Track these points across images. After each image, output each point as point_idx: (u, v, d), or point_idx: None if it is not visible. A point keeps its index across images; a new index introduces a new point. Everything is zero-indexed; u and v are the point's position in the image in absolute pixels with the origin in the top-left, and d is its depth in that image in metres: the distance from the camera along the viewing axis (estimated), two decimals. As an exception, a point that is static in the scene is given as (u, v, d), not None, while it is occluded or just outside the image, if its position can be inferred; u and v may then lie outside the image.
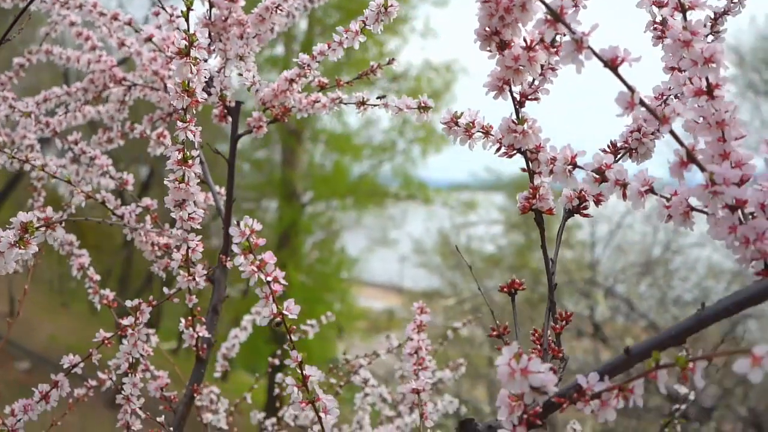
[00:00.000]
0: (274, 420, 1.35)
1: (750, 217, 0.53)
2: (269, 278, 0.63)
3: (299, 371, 0.65)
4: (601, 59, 0.51)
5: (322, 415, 0.65)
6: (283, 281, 0.63)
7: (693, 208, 0.54)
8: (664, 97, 0.69)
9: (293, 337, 0.65)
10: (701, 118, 0.54)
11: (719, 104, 0.54)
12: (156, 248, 1.02)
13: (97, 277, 1.09)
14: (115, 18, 1.10)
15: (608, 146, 0.69)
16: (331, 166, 11.62)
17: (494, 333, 0.64)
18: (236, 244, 0.62)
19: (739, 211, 0.53)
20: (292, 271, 10.31)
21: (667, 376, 0.48)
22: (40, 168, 0.96)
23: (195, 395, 0.99)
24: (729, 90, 0.55)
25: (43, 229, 0.68)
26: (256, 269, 0.62)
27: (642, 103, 0.51)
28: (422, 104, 0.84)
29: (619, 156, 0.69)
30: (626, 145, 0.69)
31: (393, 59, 1.00)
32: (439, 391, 1.60)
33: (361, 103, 0.95)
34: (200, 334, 0.97)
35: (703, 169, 0.51)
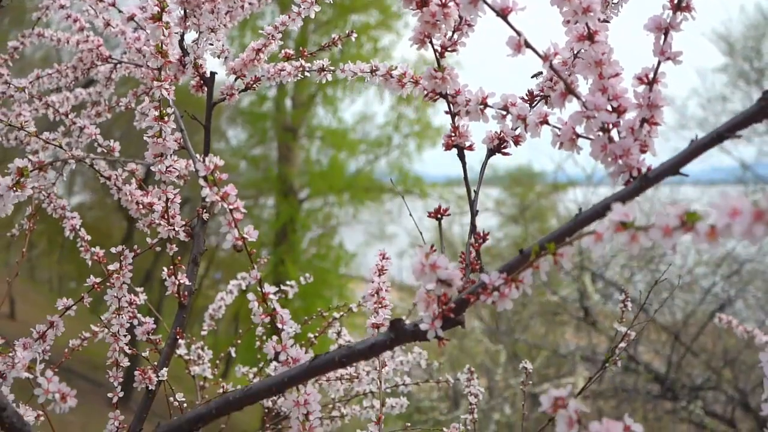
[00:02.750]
0: (255, 370, 1.46)
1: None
2: (231, 207, 0.73)
3: (259, 289, 0.76)
4: (493, 9, 0.61)
5: (279, 325, 0.76)
6: (243, 210, 0.74)
7: (578, 135, 0.65)
8: (575, 51, 0.80)
9: (252, 259, 0.76)
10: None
11: (598, 47, 0.64)
12: (140, 207, 1.13)
13: (88, 237, 1.20)
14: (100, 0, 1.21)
15: (526, 94, 0.80)
16: (327, 162, 11.73)
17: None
18: (202, 177, 0.72)
19: (616, 134, 0.64)
20: (290, 267, 10.41)
21: (547, 265, 0.59)
22: (33, 134, 1.07)
23: (178, 337, 1.10)
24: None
25: (36, 171, 0.78)
26: (220, 199, 0.73)
27: (527, 44, 0.61)
28: (374, 68, 0.95)
29: (535, 102, 0.80)
30: (542, 93, 0.79)
31: (352, 32, 1.11)
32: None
33: (321, 70, 1.05)
34: (181, 282, 1.08)
35: (579, 98, 0.62)
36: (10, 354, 0.74)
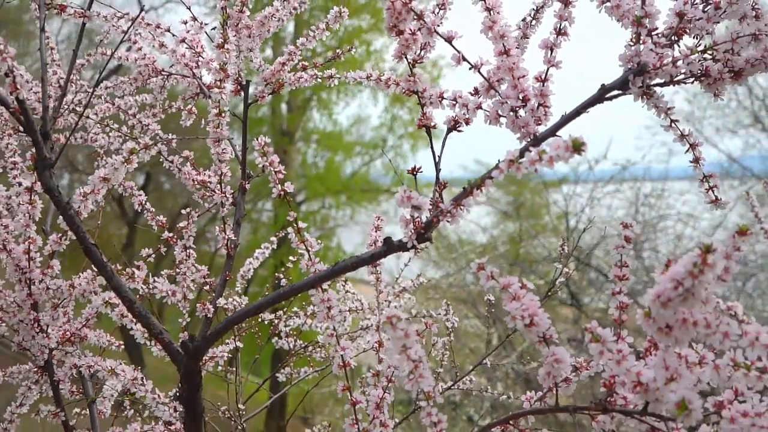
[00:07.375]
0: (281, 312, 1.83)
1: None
2: (276, 169, 1.11)
3: (296, 225, 1.13)
4: (443, 38, 0.98)
5: (309, 248, 1.13)
6: (283, 171, 1.11)
7: (500, 115, 1.02)
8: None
9: (292, 206, 1.13)
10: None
11: (511, 59, 1.01)
12: (195, 182, 1.50)
13: (153, 209, 1.57)
14: (158, 27, 1.58)
15: (473, 89, 1.17)
16: (323, 165, 12.09)
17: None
18: (256, 150, 1.09)
19: (522, 112, 1.01)
20: (290, 269, 10.75)
21: (481, 195, 0.96)
22: (116, 129, 1.44)
23: (227, 279, 1.47)
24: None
25: (143, 150, 1.15)
26: (268, 164, 1.10)
27: (464, 58, 0.99)
28: (369, 74, 1.32)
29: (479, 95, 1.17)
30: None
31: (352, 47, 1.49)
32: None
33: (331, 77, 1.43)
34: (229, 237, 1.45)
35: (497, 91, 0.99)
36: (128, 272, 1.11)
